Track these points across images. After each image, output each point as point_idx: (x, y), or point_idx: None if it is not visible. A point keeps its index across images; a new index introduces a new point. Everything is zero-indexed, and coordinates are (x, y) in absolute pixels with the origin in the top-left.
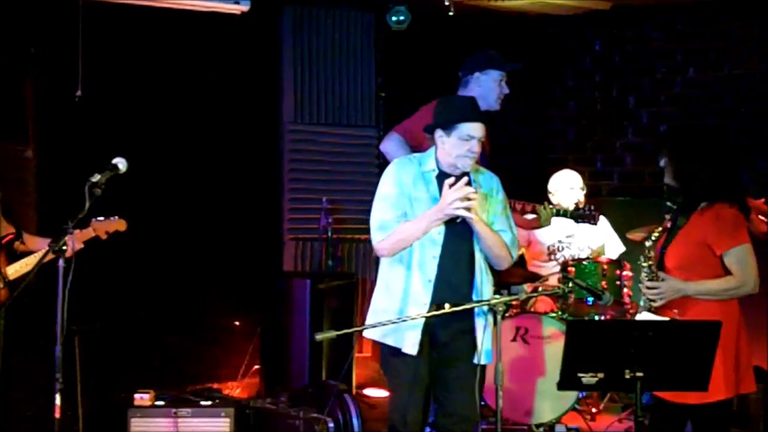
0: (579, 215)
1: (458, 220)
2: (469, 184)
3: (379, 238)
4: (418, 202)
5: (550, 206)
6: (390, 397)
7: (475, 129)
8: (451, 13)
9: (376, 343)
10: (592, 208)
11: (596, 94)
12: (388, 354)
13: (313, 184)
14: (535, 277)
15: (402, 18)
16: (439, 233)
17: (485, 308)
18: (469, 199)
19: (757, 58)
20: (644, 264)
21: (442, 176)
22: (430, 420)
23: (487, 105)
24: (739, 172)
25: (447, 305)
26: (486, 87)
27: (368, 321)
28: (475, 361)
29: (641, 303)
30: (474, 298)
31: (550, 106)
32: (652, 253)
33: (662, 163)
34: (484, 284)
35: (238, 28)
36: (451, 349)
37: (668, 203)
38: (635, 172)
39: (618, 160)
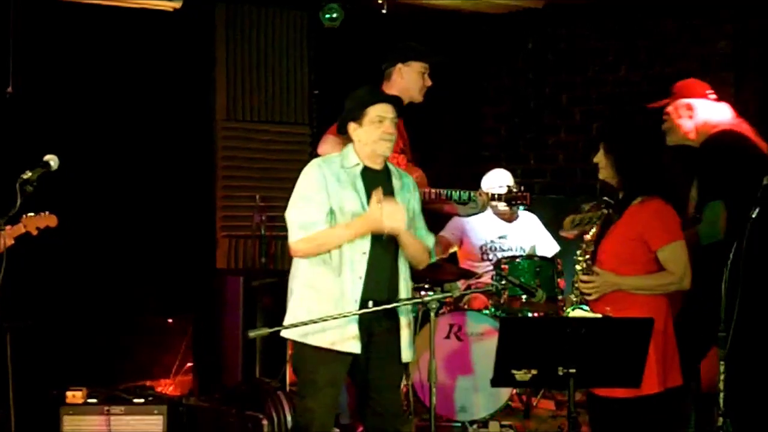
0: (512, 197)
1: (393, 184)
2: (388, 179)
3: (297, 237)
4: (347, 200)
5: (485, 192)
6: (300, 397)
7: (384, 110)
8: (384, 11)
9: (298, 344)
10: (522, 189)
11: (529, 92)
12: (311, 354)
13: (247, 181)
14: (468, 274)
15: (335, 15)
16: None
17: (409, 306)
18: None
19: (687, 56)
20: (581, 258)
21: (366, 171)
22: None
23: (410, 97)
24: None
25: (380, 302)
26: (409, 78)
27: (290, 322)
28: (403, 359)
29: (572, 296)
30: (401, 293)
31: (483, 104)
32: (592, 248)
33: (596, 158)
34: (408, 280)
35: (171, 25)
36: (381, 348)
37: (605, 198)
38: (568, 169)
39: (551, 157)
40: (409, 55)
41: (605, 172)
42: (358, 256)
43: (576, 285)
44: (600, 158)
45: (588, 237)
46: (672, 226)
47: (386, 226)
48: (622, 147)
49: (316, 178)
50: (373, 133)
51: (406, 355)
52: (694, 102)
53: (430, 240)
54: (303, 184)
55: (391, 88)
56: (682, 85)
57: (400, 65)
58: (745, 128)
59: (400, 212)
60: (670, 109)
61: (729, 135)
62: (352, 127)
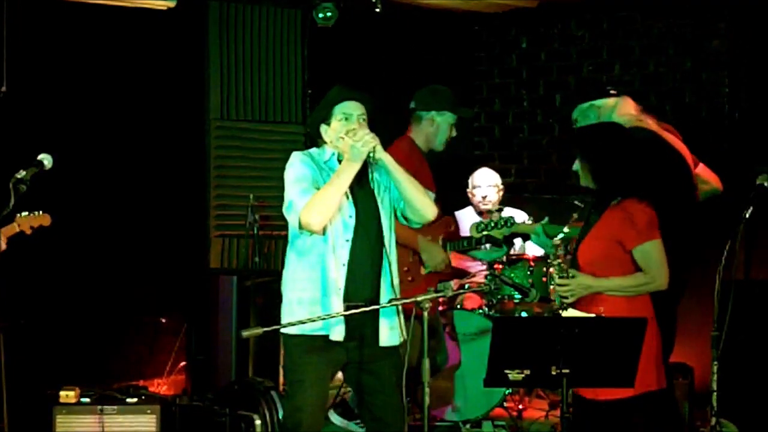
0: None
1: (372, 161)
2: (364, 167)
3: (300, 207)
4: None
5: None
6: (288, 397)
7: (350, 107)
8: (377, 10)
9: (288, 337)
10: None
11: (522, 91)
12: (300, 350)
13: (240, 181)
14: (462, 274)
15: (329, 14)
16: (350, 216)
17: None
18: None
19: (680, 55)
20: (554, 262)
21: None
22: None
23: (434, 145)
24: (649, 167)
25: (386, 300)
26: (438, 129)
27: (285, 315)
28: (381, 342)
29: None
30: (385, 288)
31: (476, 104)
32: (561, 251)
33: (575, 166)
34: (394, 275)
35: (164, 24)
36: (369, 350)
37: (576, 202)
38: (561, 169)
39: (544, 157)
40: (445, 106)
41: (585, 180)
42: (341, 243)
43: (552, 287)
44: (578, 167)
45: (557, 241)
46: (646, 225)
47: (363, 150)
48: (595, 154)
49: (303, 163)
50: (339, 131)
51: (384, 338)
52: (596, 102)
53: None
54: (290, 170)
55: (419, 133)
56: (580, 89)
57: (434, 113)
58: (649, 123)
59: (367, 134)
60: (576, 116)
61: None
62: (323, 129)
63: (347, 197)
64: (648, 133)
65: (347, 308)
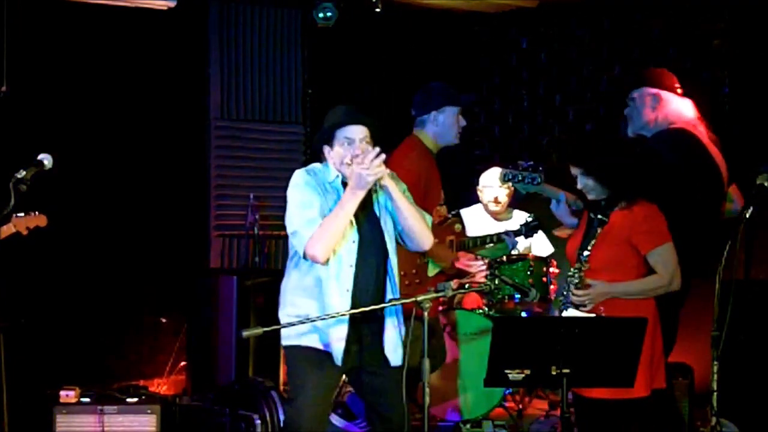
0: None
1: (376, 190)
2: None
3: (306, 239)
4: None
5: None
6: (290, 400)
7: (353, 131)
8: (378, 10)
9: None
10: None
11: (522, 91)
12: (300, 355)
13: (240, 181)
14: (462, 274)
15: (329, 14)
16: (353, 241)
17: (397, 309)
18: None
19: (681, 55)
20: (576, 272)
21: (346, 183)
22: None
23: (446, 141)
24: (658, 169)
25: (389, 301)
26: (445, 125)
27: (283, 326)
28: (392, 363)
29: (561, 300)
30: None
31: (476, 104)
32: (588, 265)
33: (579, 185)
34: (395, 291)
35: (164, 24)
36: (371, 353)
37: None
38: (562, 169)
39: (544, 157)
40: (442, 101)
41: (595, 192)
42: (345, 269)
43: (566, 294)
44: (585, 182)
45: (586, 253)
46: (659, 228)
47: (369, 180)
48: (602, 165)
49: (307, 185)
50: (343, 156)
51: (393, 358)
52: (663, 93)
53: (425, 217)
54: (295, 192)
55: (427, 135)
56: (653, 74)
57: (434, 113)
58: (701, 131)
59: (374, 160)
60: (636, 95)
61: (681, 134)
62: (326, 150)
63: (350, 223)
64: (680, 134)
65: (349, 323)
